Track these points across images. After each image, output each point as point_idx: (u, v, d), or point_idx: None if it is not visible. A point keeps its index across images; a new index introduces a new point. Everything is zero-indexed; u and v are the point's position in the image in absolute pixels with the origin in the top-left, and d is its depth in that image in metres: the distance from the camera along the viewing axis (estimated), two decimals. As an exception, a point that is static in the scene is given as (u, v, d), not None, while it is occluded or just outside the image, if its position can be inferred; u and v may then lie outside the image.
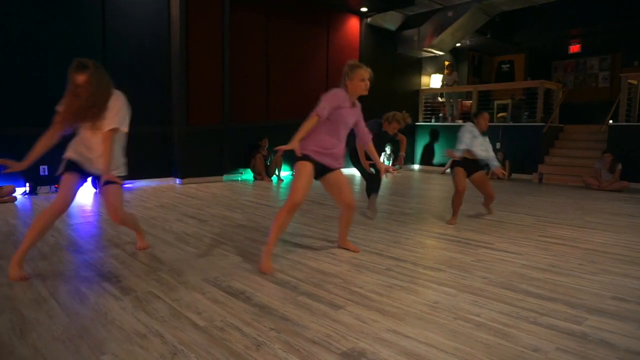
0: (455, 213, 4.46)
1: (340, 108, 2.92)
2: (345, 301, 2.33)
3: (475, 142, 4.40)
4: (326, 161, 2.98)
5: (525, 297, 2.43)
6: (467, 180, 4.50)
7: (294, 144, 2.78)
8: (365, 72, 2.92)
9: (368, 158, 4.32)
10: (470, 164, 4.50)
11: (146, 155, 6.82)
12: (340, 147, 3.05)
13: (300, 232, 3.94)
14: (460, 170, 4.49)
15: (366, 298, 2.38)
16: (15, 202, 5.13)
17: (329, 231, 3.96)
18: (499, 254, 3.32)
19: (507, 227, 4.30)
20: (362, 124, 3.18)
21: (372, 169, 4.51)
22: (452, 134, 10.45)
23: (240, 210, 4.91)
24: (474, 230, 4.13)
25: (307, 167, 2.91)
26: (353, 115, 3.04)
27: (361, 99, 3.10)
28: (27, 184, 5.66)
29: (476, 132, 4.43)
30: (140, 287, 2.49)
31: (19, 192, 5.56)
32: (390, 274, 2.80)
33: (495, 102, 10.91)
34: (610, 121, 8.52)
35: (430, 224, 4.39)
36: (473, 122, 4.47)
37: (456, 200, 4.44)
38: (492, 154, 4.50)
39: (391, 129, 4.68)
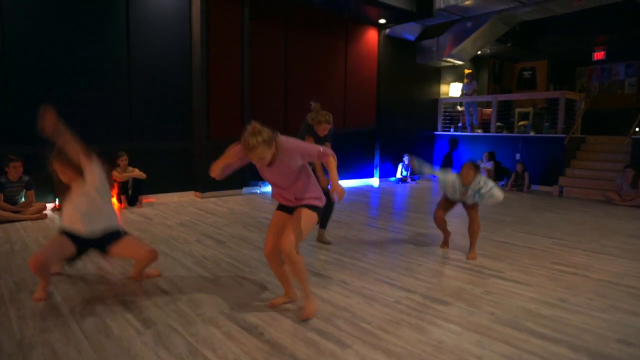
0: (443, 232, 4.38)
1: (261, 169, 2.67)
2: (353, 339, 2.44)
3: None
4: (279, 199, 2.83)
5: (530, 338, 2.48)
6: (446, 208, 4.25)
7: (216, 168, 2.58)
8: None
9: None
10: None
11: (168, 170, 7.07)
12: (289, 192, 2.72)
13: (314, 254, 4.05)
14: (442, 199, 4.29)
15: (373, 336, 2.48)
16: (46, 220, 5.41)
17: (343, 255, 4.06)
18: (509, 285, 3.36)
19: (521, 251, 4.32)
20: (310, 151, 2.62)
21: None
22: (471, 143, 10.41)
23: (258, 229, 5.06)
24: (487, 254, 4.16)
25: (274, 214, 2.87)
26: (275, 171, 2.63)
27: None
28: (57, 200, 5.94)
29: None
30: (160, 320, 2.65)
31: (48, 208, 5.84)
32: (399, 307, 2.89)
33: (517, 110, 10.81)
34: (637, 129, 8.35)
35: (445, 248, 4.44)
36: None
37: (437, 222, 4.32)
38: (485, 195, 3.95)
39: (321, 130, 4.02)
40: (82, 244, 3.02)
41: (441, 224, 4.31)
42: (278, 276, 2.88)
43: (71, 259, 3.10)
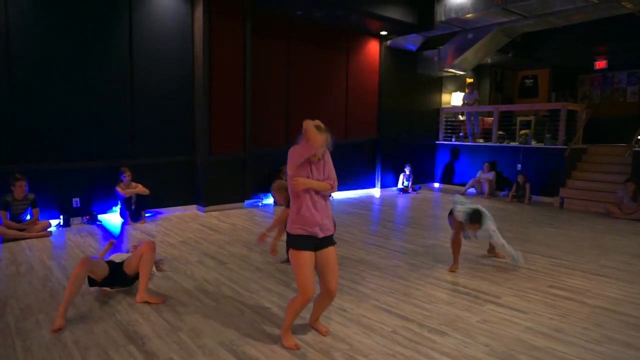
0: (455, 259, 4.47)
1: None
2: (350, 375, 2.49)
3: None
4: (312, 227, 2.75)
5: (524, 373, 2.53)
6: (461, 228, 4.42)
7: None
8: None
9: None
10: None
11: (171, 184, 7.14)
12: (327, 208, 2.86)
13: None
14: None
15: (370, 371, 2.53)
16: (50, 237, 5.49)
17: (343, 278, 4.09)
18: (505, 312, 3.40)
19: (519, 273, 4.36)
20: None
21: None
22: (472, 152, 10.44)
23: (259, 248, 5.11)
24: (485, 277, 4.21)
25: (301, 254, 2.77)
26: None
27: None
28: (61, 216, 6.02)
29: None
30: (162, 352, 2.71)
31: (53, 224, 5.91)
32: (396, 338, 2.94)
33: (518, 119, 10.83)
34: (639, 137, 8.35)
35: (443, 269, 4.47)
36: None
37: (452, 246, 4.49)
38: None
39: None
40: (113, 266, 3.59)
41: (456, 250, 4.46)
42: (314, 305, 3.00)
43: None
